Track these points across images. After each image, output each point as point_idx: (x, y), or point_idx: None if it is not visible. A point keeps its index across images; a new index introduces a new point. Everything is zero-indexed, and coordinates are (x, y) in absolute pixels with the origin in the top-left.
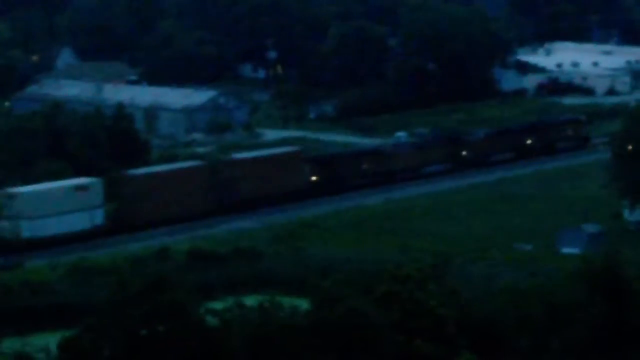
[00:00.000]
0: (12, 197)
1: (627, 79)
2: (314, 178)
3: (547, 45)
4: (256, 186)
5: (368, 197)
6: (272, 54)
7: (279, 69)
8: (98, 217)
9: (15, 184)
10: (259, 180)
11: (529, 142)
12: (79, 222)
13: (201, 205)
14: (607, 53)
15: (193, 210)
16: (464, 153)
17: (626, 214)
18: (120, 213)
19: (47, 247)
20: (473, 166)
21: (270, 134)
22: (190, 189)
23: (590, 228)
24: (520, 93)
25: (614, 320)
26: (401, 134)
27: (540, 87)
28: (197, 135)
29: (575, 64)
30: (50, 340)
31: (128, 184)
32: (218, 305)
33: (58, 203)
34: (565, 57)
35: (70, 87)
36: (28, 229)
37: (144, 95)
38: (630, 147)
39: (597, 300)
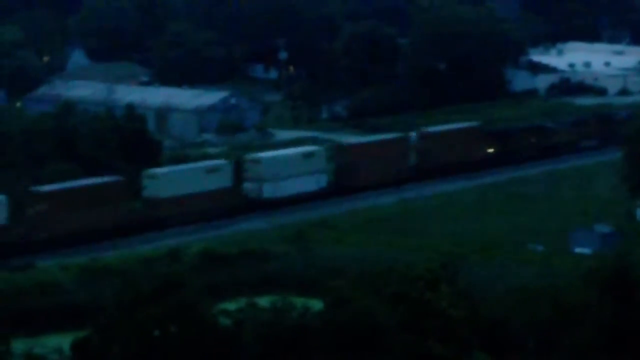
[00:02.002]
0: (256, 161)
1: (639, 79)
2: (490, 150)
3: (558, 46)
4: (445, 155)
5: (379, 197)
6: (284, 55)
7: (291, 69)
8: (322, 181)
9: (25, 185)
10: (448, 151)
11: None
12: (308, 184)
13: (403, 172)
14: (619, 53)
15: (396, 176)
16: (613, 130)
17: (639, 214)
18: (339, 177)
19: (281, 206)
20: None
21: (282, 135)
22: (394, 157)
23: (603, 228)
24: (532, 93)
25: (624, 320)
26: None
27: (552, 88)
28: (209, 136)
29: (587, 64)
30: (62, 341)
31: (346, 152)
32: (230, 306)
33: (291, 168)
34: (577, 57)
35: (82, 88)
36: (268, 190)
37: (156, 96)
38: None
39: (607, 301)
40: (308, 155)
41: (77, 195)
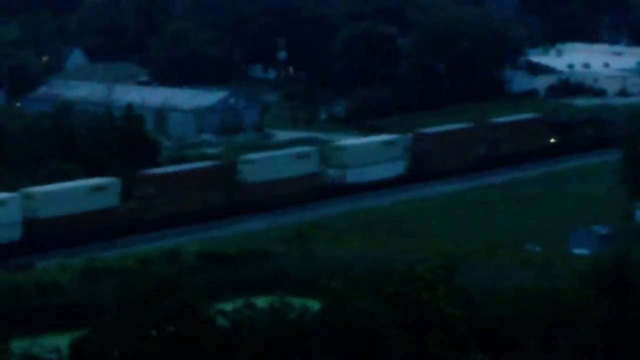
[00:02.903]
0: (340, 149)
1: (638, 79)
2: (552, 140)
3: (557, 46)
4: (512, 145)
5: (378, 198)
6: (282, 55)
7: (289, 69)
8: (400, 167)
9: (24, 185)
10: (513, 140)
11: None
12: (387, 171)
13: (473, 160)
14: (618, 54)
15: (467, 164)
16: None
17: (637, 215)
18: (415, 164)
19: (364, 191)
20: None
21: (281, 135)
22: (466, 146)
23: (601, 229)
24: (531, 94)
25: (622, 320)
26: None
27: (551, 89)
28: (207, 136)
29: (586, 65)
30: (61, 341)
31: (422, 140)
32: (228, 306)
33: (372, 155)
34: (576, 58)
35: (80, 88)
36: (351, 176)
37: (154, 96)
38: None
39: (605, 301)
40: (388, 144)
41: (181, 178)
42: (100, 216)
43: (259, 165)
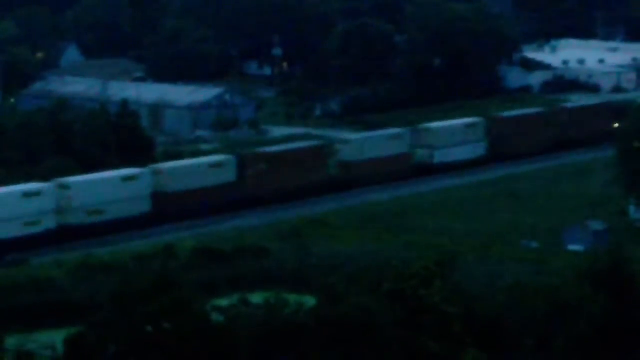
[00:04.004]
0: (428, 130)
1: (633, 76)
2: (616, 125)
3: (552, 43)
4: (579, 129)
5: (375, 194)
6: (278, 51)
7: (285, 66)
8: (481, 149)
9: (19, 181)
10: (581, 125)
11: None
12: (470, 152)
13: (545, 143)
14: (613, 50)
15: (540, 146)
16: None
17: (632, 211)
18: (494, 146)
19: (449, 171)
20: None
21: (276, 131)
22: (538, 130)
23: (596, 225)
24: (526, 90)
25: (619, 317)
26: None
27: (546, 85)
28: (203, 133)
29: (581, 61)
30: (56, 337)
31: (500, 124)
32: (223, 302)
33: (457, 137)
34: (570, 55)
35: (76, 84)
36: (438, 156)
37: (150, 92)
38: (637, 144)
39: (601, 298)
40: (470, 126)
41: (287, 157)
42: (218, 191)
43: (355, 146)
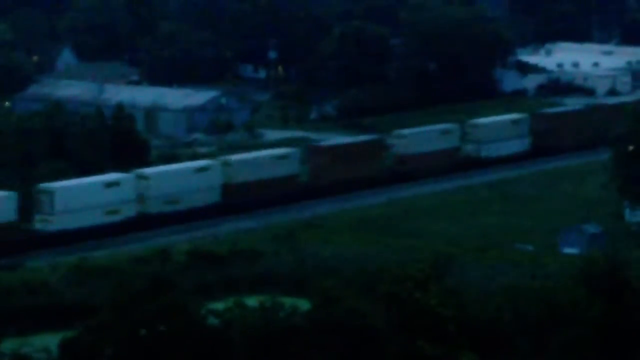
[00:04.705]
0: (475, 126)
1: (627, 79)
2: None
3: (547, 46)
4: (619, 126)
5: (370, 197)
6: (273, 54)
7: (280, 69)
8: (525, 144)
9: (15, 185)
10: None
11: None
12: (515, 146)
13: (586, 139)
14: (608, 53)
15: (580, 142)
16: None
17: (627, 214)
18: (538, 141)
19: (494, 164)
20: None
21: (272, 134)
22: (578, 126)
23: (591, 228)
24: (521, 93)
25: (614, 320)
26: None
27: (541, 88)
28: (198, 136)
29: (575, 65)
30: (51, 340)
31: (541, 120)
32: (219, 305)
33: (503, 132)
34: (565, 58)
35: (71, 88)
36: (485, 150)
37: (145, 95)
38: (631, 148)
39: (597, 300)
40: (515, 122)
41: (347, 150)
42: (282, 182)
43: (410, 139)
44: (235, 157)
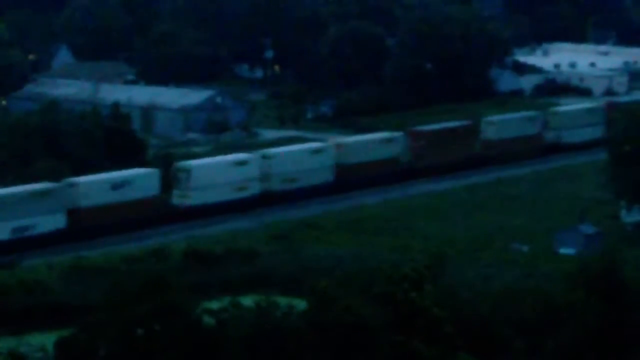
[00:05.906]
0: (556, 114)
1: (624, 79)
2: None
3: (544, 46)
4: None
5: (366, 197)
6: (269, 54)
7: (276, 68)
8: (599, 132)
9: (10, 183)
10: None
11: None
12: (590, 133)
13: None
14: (605, 54)
15: None
16: None
17: (623, 215)
18: (609, 129)
19: (576, 149)
20: None
21: (268, 134)
22: None
23: (587, 229)
24: (517, 94)
25: (611, 320)
26: None
27: (537, 88)
28: (194, 135)
29: (572, 65)
30: (47, 339)
31: (615, 109)
32: (214, 305)
33: (580, 120)
34: (562, 58)
35: (67, 86)
36: (565, 136)
37: (141, 94)
38: (627, 148)
39: (593, 301)
40: (591, 111)
41: (443, 134)
42: (386, 163)
43: (498, 126)
44: (347, 139)
